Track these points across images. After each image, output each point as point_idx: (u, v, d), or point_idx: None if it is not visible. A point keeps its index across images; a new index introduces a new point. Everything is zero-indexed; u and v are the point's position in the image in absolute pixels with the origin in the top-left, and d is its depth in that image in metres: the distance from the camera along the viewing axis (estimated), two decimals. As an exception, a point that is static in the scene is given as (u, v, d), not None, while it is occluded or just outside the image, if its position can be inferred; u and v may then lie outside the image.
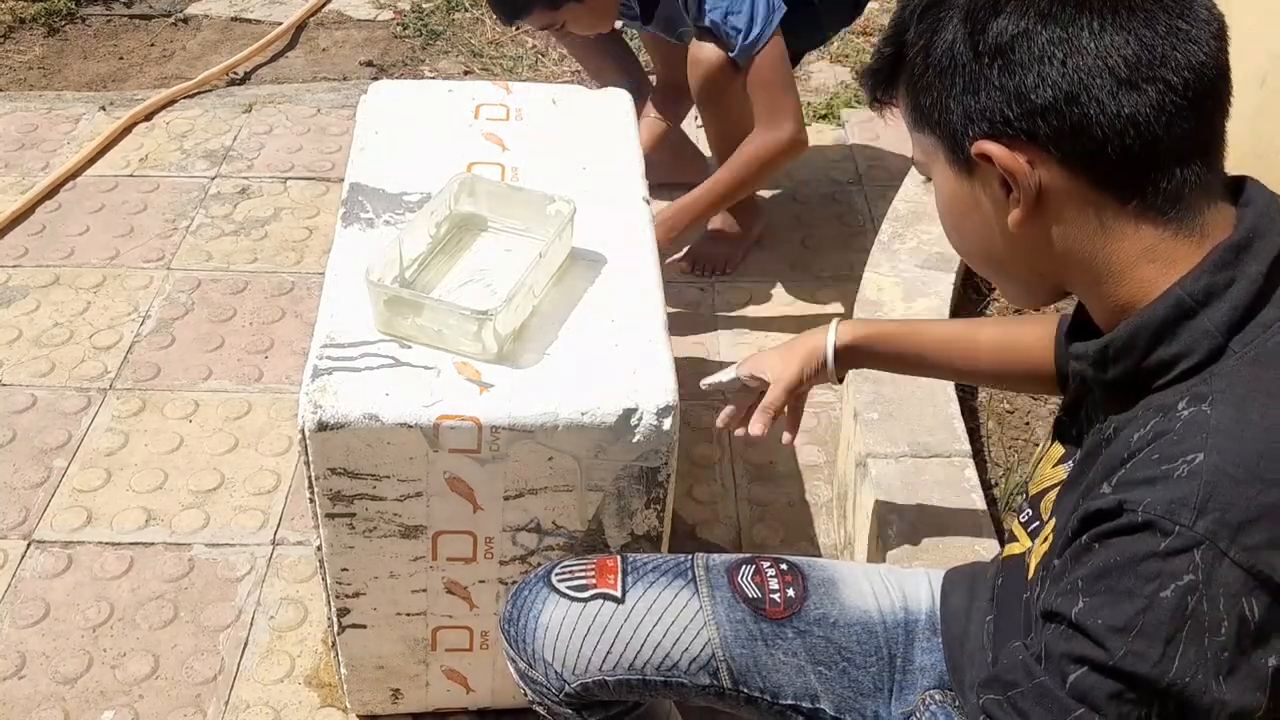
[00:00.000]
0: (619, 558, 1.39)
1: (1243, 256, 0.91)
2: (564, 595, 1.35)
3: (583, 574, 1.37)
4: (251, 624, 1.97)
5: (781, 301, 2.69)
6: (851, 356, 1.54)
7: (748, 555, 1.41)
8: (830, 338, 1.53)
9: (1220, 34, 0.91)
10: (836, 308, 2.66)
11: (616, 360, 1.54)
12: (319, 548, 1.59)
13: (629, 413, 1.48)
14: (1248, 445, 0.85)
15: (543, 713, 1.42)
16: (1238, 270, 0.91)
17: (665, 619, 1.32)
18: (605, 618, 1.32)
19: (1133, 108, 0.88)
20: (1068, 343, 1.05)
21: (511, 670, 1.41)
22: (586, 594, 1.34)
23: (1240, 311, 0.90)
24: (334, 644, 1.72)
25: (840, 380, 1.57)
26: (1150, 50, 0.88)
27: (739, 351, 2.53)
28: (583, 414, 1.48)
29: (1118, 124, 0.88)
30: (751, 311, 2.65)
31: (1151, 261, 0.93)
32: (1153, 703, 0.85)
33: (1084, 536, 0.89)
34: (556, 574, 1.38)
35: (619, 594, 1.34)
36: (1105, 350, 0.96)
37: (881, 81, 1.03)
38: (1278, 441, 0.85)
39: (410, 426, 1.46)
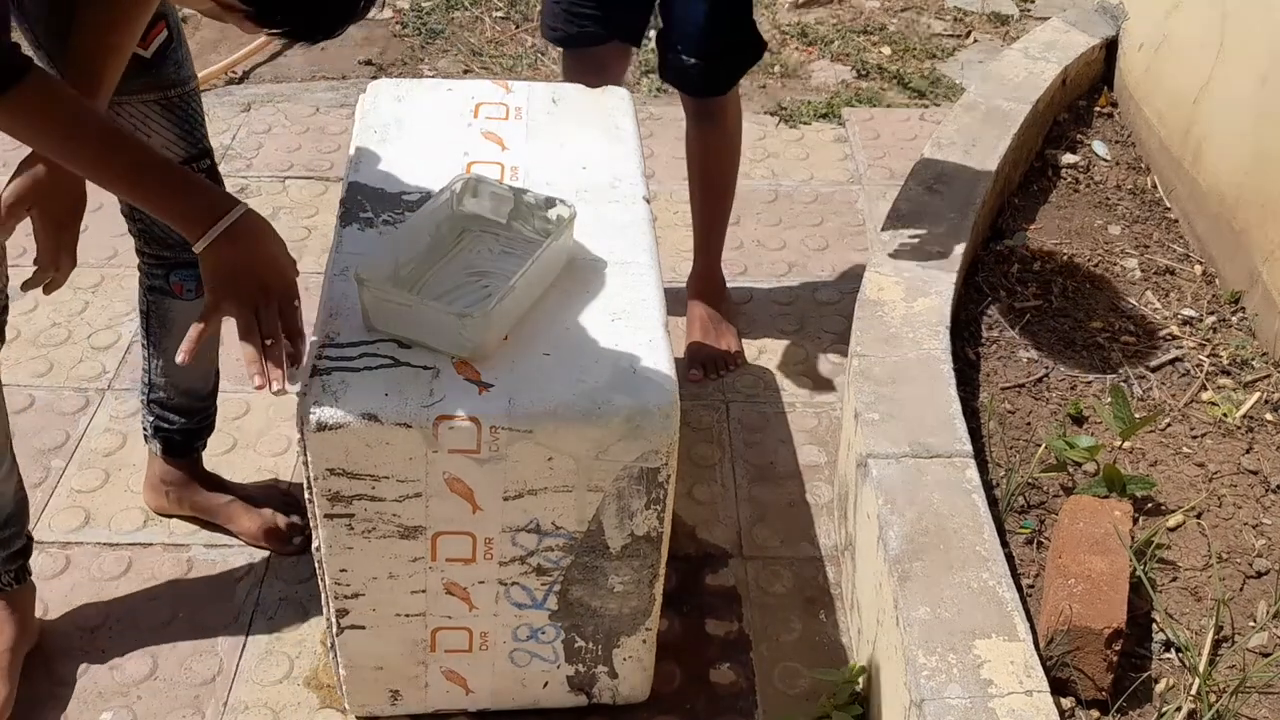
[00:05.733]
0: None
1: None
2: None
3: None
4: (250, 625, 1.96)
5: (781, 301, 2.68)
6: None
7: None
8: None
9: None
10: (837, 308, 2.65)
11: (616, 360, 1.53)
12: (317, 548, 1.59)
13: (629, 413, 1.48)
14: None
15: None
16: None
17: None
18: None
19: None
20: None
21: None
22: None
23: None
24: (333, 645, 1.71)
25: None
26: None
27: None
28: (582, 414, 1.48)
29: None
30: (751, 311, 2.65)
31: None
32: None
33: None
34: None
35: None
36: None
37: None
38: None
39: (409, 426, 1.46)
